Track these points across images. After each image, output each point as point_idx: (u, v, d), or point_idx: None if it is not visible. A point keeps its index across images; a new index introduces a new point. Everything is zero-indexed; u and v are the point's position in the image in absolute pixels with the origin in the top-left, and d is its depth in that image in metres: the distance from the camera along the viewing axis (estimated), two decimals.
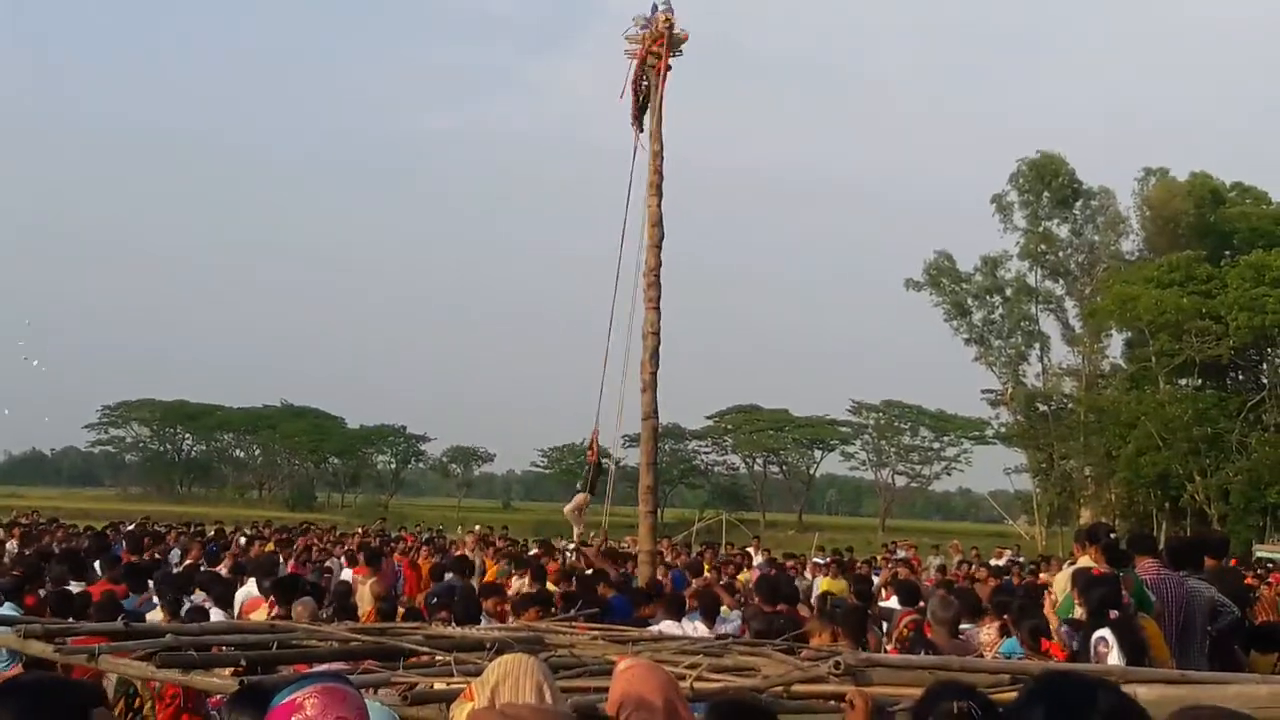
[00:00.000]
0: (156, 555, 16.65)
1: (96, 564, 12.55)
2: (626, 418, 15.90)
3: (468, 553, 18.36)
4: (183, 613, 8.61)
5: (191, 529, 26.56)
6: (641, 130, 15.01)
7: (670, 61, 14.31)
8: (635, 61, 14.64)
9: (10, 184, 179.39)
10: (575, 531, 18.68)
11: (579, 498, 17.63)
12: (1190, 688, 4.20)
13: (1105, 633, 6.25)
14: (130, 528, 25.30)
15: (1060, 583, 7.93)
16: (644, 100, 14.81)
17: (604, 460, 17.68)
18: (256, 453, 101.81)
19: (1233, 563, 14.55)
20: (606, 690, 3.67)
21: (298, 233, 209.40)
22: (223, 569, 13.61)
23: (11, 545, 19.05)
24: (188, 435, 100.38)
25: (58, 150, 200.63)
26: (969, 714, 3.12)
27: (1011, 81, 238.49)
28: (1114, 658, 6.06)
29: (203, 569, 13.86)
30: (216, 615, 8.98)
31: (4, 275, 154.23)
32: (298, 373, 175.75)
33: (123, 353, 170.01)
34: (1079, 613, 6.85)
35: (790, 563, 21.58)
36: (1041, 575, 18.14)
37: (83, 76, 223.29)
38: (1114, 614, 6.39)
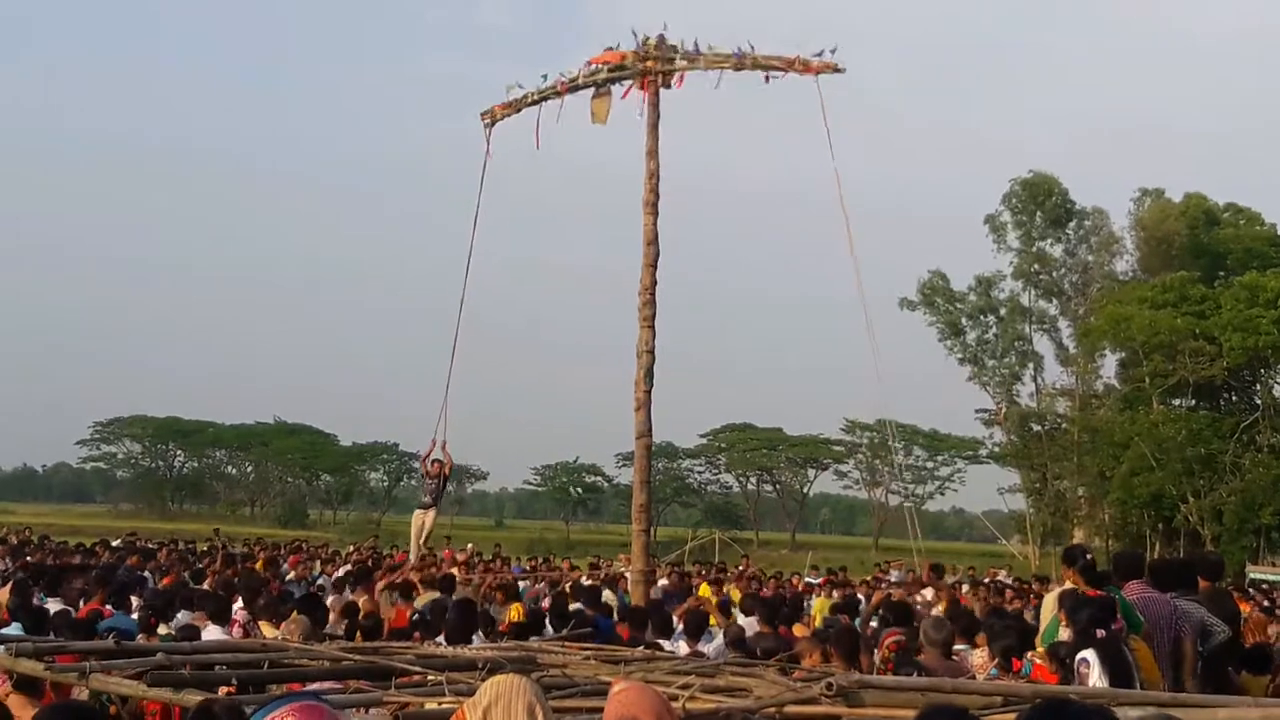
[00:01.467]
0: (142, 574, 16.51)
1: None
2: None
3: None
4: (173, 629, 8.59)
5: (180, 546, 26.42)
6: (493, 125, 15.49)
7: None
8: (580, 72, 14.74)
9: (3, 196, 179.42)
10: (413, 553, 17.20)
11: (430, 517, 16.71)
12: (1181, 710, 4.19)
13: (1088, 654, 6.19)
14: (118, 544, 25.17)
15: (1047, 606, 7.90)
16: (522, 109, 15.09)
17: (444, 467, 16.66)
18: (249, 470, 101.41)
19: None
20: (599, 711, 3.66)
21: (292, 246, 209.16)
22: (206, 586, 13.52)
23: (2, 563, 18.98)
24: (180, 452, 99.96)
25: (52, 162, 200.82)
26: None
27: (1008, 95, 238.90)
28: (1094, 678, 6.01)
29: (189, 586, 13.78)
30: (212, 633, 8.93)
31: None
32: (290, 390, 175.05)
33: (115, 368, 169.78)
34: (1065, 634, 6.80)
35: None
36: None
37: (76, 87, 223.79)
38: (1100, 633, 6.33)
